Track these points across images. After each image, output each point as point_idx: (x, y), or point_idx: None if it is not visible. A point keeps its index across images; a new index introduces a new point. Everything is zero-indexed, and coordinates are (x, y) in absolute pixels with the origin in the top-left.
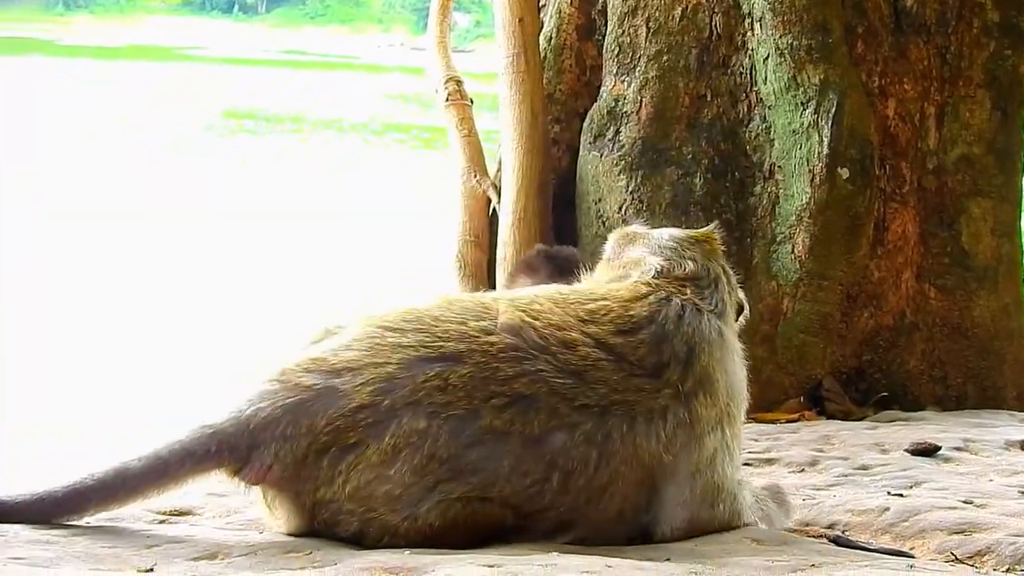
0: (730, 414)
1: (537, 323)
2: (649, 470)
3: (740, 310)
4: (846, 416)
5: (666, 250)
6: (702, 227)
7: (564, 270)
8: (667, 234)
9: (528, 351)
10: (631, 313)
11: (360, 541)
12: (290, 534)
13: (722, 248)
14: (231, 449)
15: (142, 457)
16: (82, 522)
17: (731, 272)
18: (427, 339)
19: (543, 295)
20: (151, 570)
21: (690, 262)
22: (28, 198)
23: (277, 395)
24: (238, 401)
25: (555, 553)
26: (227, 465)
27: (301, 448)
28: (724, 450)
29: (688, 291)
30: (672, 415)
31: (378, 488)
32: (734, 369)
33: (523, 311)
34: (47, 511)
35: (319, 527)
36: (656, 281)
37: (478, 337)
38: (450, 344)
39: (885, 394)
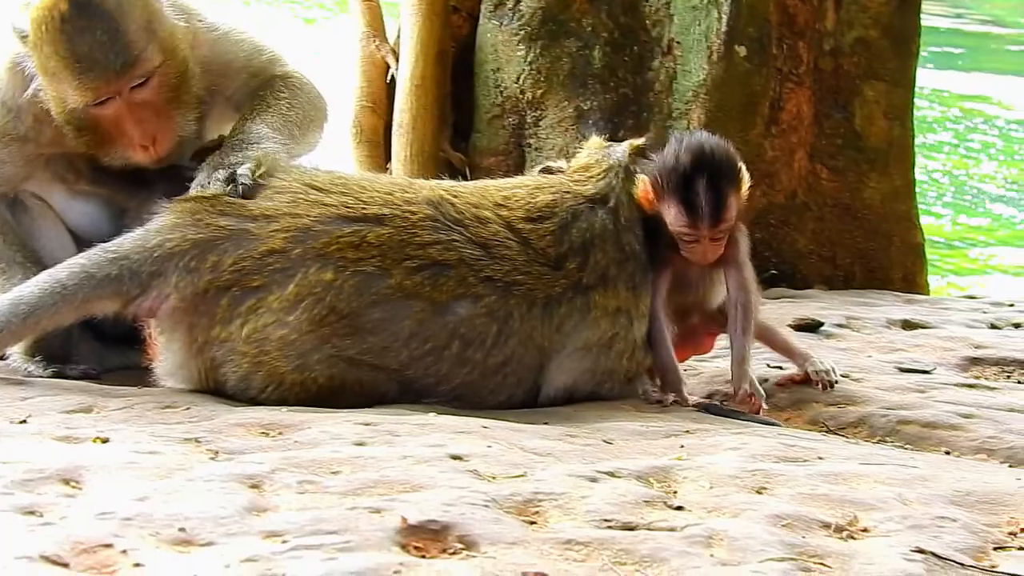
0: (633, 312)
1: (456, 200)
2: (543, 352)
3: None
4: None
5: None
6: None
7: None
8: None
9: (444, 223)
10: (536, 201)
11: (245, 388)
12: (171, 377)
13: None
14: (132, 274)
15: (37, 282)
16: None
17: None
18: (350, 201)
19: (467, 183)
20: (24, 421)
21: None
22: None
23: (188, 229)
24: (145, 231)
25: (432, 414)
26: (125, 292)
27: (203, 282)
28: (626, 341)
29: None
30: (568, 301)
31: (274, 333)
32: (632, 269)
33: (445, 189)
34: None
35: (205, 367)
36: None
37: (400, 206)
38: (372, 208)
39: (774, 272)
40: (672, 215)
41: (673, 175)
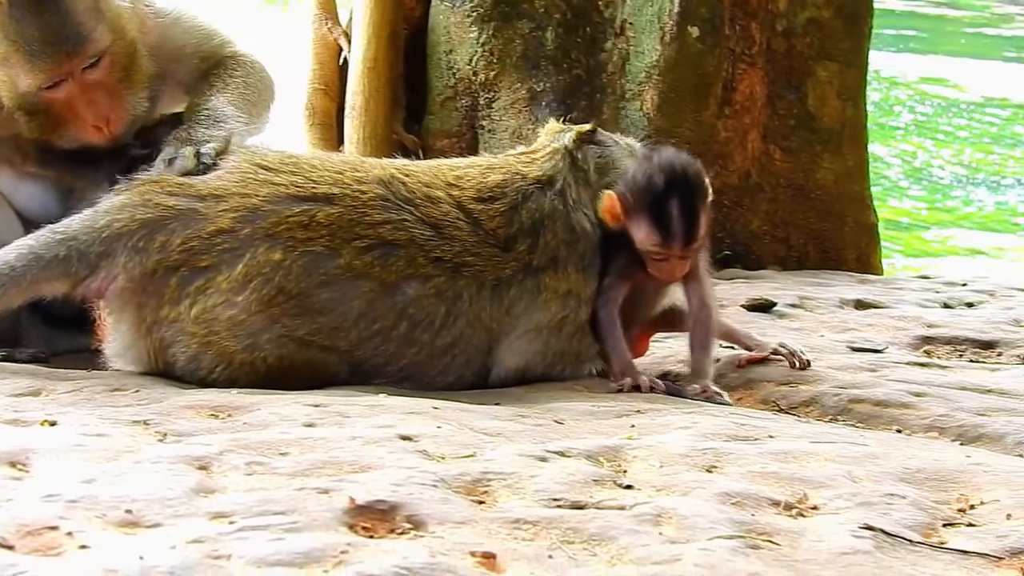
0: (582, 294)
1: (407, 180)
2: (492, 334)
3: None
4: None
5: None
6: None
7: None
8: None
9: (395, 202)
10: (487, 181)
11: (194, 368)
12: (120, 358)
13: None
14: (81, 255)
15: None
16: None
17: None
18: (300, 180)
19: (419, 162)
20: None
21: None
22: None
23: (136, 209)
24: (94, 212)
25: (383, 395)
26: (74, 273)
27: (151, 262)
28: (576, 324)
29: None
30: (518, 283)
31: (223, 313)
32: (582, 250)
33: (396, 168)
34: None
35: (154, 347)
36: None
37: (351, 185)
38: (322, 187)
39: (728, 253)
40: (643, 234)
41: (646, 194)
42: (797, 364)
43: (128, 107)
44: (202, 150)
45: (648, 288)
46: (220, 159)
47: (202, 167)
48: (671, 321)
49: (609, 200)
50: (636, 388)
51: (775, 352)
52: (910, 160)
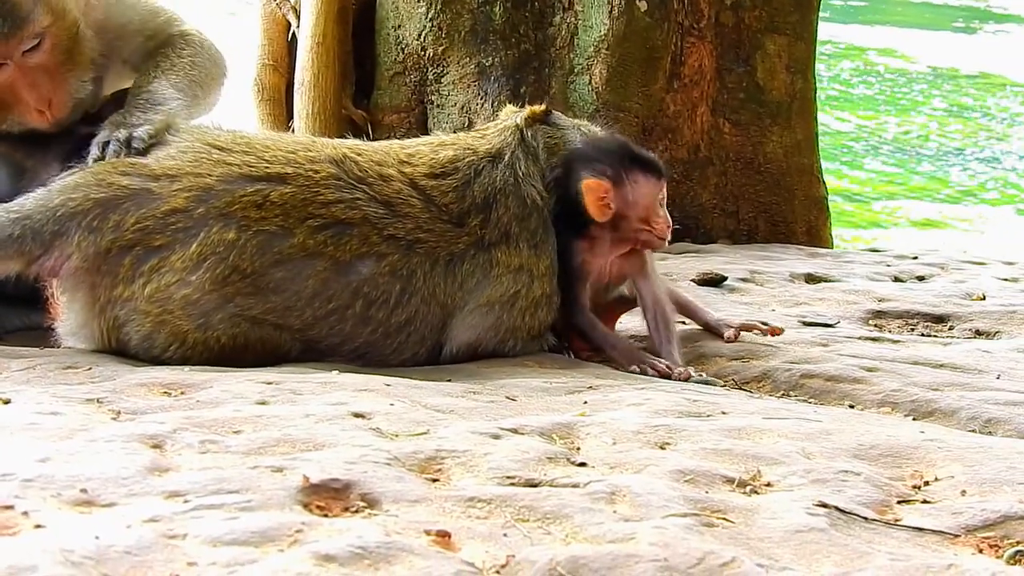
0: (534, 270)
1: (360, 158)
2: (446, 310)
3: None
4: None
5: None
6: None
7: None
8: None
9: (348, 181)
10: (439, 157)
11: (147, 347)
12: (73, 337)
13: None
14: (34, 234)
15: None
16: None
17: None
18: (253, 160)
19: (372, 142)
20: None
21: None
22: None
23: (90, 188)
24: (48, 191)
25: (336, 372)
26: (28, 252)
27: (105, 241)
28: (528, 299)
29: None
30: (471, 258)
31: (177, 292)
32: (534, 226)
33: (348, 148)
34: None
35: (107, 326)
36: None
37: (303, 164)
38: (275, 167)
39: (677, 227)
40: (645, 187)
41: (616, 156)
42: (771, 334)
43: (71, 90)
44: (135, 134)
45: (602, 279)
46: (155, 142)
47: (133, 151)
48: (626, 301)
49: (592, 185)
50: (663, 375)
51: (743, 327)
52: (861, 132)
